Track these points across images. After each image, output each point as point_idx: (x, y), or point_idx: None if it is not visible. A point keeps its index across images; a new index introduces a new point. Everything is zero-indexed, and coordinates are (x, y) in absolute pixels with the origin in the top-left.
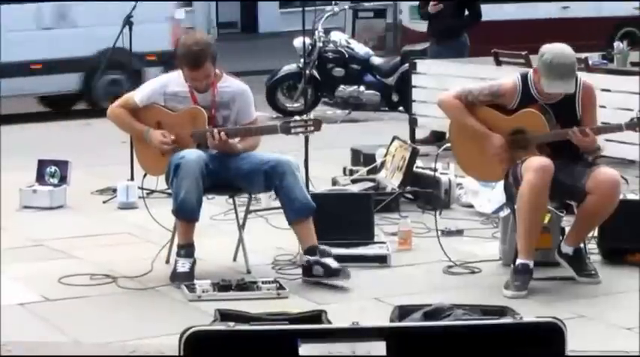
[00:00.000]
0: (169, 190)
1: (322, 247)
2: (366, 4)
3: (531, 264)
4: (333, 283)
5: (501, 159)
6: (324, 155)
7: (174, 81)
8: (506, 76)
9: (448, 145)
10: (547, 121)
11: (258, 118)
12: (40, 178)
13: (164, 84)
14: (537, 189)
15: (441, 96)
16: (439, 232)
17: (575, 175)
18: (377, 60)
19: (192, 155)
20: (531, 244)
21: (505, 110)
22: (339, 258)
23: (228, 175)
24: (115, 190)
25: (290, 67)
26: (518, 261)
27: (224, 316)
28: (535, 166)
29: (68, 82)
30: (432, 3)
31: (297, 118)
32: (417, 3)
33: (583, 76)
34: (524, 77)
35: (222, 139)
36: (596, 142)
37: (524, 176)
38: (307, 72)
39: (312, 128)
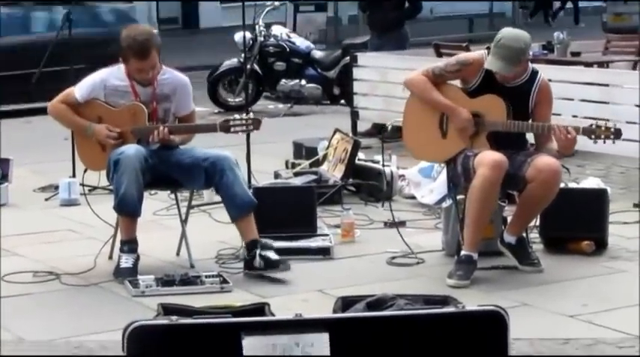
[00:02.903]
0: (111, 187)
1: (263, 240)
2: None
3: (475, 256)
4: (275, 277)
5: (468, 132)
6: (266, 149)
7: (115, 75)
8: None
9: (396, 121)
10: (507, 110)
11: (195, 111)
12: None
13: (104, 78)
14: (490, 185)
15: (406, 75)
16: (384, 224)
17: (516, 165)
18: (318, 54)
19: (130, 150)
20: (477, 237)
21: (467, 91)
22: (282, 251)
23: (169, 170)
24: (56, 188)
25: (231, 62)
26: (463, 252)
27: (167, 310)
28: (489, 161)
29: None
30: None
31: (236, 116)
32: None
33: None
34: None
35: (166, 137)
36: (574, 145)
37: (477, 170)
38: (248, 66)
39: (252, 127)
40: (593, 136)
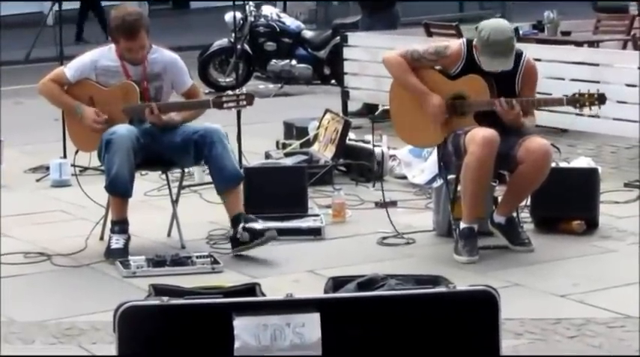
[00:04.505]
0: (102, 167)
1: (247, 215)
2: None
3: (475, 227)
4: (265, 258)
5: (439, 120)
6: (257, 129)
7: (105, 55)
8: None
9: (384, 107)
10: (489, 88)
11: (196, 85)
12: None
13: (95, 59)
14: (483, 162)
15: (385, 54)
16: (375, 204)
17: (507, 145)
18: (308, 33)
19: (122, 130)
20: (476, 210)
21: (448, 75)
22: None
23: (161, 149)
24: (48, 168)
25: (221, 42)
26: (463, 225)
27: (158, 291)
28: (480, 138)
29: None
30: None
31: (229, 92)
32: None
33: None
34: (470, 44)
35: (156, 114)
36: (519, 118)
37: (468, 148)
38: (239, 46)
39: (245, 103)
40: (577, 105)
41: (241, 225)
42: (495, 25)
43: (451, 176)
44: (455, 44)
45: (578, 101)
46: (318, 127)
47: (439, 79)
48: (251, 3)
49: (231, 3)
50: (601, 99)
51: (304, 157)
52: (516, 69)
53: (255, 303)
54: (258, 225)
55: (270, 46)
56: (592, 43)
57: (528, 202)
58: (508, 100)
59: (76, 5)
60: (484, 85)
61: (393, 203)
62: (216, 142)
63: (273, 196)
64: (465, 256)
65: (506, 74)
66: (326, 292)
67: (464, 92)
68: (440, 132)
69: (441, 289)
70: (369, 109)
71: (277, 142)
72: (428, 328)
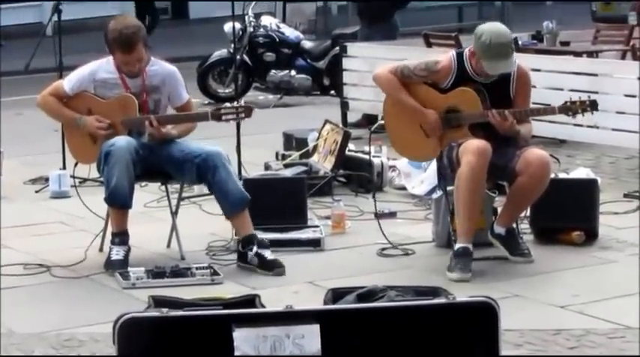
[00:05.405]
0: (101, 179)
1: (260, 237)
2: None
3: (470, 247)
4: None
5: (436, 135)
6: (257, 140)
7: (104, 68)
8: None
9: (381, 122)
10: (481, 100)
11: (191, 100)
12: None
13: (93, 71)
14: (476, 172)
15: (376, 70)
16: (374, 215)
17: (506, 157)
18: (308, 44)
19: (121, 142)
20: (471, 227)
21: (439, 89)
22: (272, 242)
23: (160, 162)
24: (47, 180)
25: (221, 53)
26: (459, 245)
27: (158, 302)
28: (473, 148)
29: None
30: None
31: (227, 104)
32: None
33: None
34: (460, 56)
35: (155, 126)
36: (514, 127)
37: (462, 159)
38: (238, 57)
39: (243, 115)
40: (570, 113)
41: (255, 250)
42: (494, 28)
43: (450, 187)
44: (445, 58)
45: (570, 109)
46: (318, 138)
47: (431, 94)
48: (250, 14)
49: (230, 13)
50: (593, 105)
51: (304, 168)
52: (509, 76)
53: (255, 314)
54: (269, 255)
55: (270, 56)
56: (591, 54)
57: (528, 213)
58: (500, 112)
59: (75, 17)
60: (476, 98)
61: (393, 214)
62: (220, 167)
63: (272, 208)
64: (457, 274)
65: (499, 82)
66: (325, 303)
67: (457, 105)
68: (436, 146)
69: (441, 300)
70: (368, 120)
71: (277, 153)
72: (428, 340)
